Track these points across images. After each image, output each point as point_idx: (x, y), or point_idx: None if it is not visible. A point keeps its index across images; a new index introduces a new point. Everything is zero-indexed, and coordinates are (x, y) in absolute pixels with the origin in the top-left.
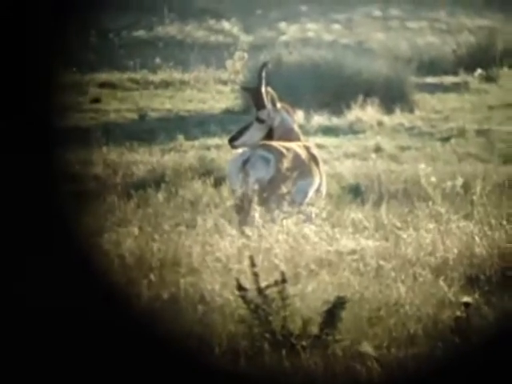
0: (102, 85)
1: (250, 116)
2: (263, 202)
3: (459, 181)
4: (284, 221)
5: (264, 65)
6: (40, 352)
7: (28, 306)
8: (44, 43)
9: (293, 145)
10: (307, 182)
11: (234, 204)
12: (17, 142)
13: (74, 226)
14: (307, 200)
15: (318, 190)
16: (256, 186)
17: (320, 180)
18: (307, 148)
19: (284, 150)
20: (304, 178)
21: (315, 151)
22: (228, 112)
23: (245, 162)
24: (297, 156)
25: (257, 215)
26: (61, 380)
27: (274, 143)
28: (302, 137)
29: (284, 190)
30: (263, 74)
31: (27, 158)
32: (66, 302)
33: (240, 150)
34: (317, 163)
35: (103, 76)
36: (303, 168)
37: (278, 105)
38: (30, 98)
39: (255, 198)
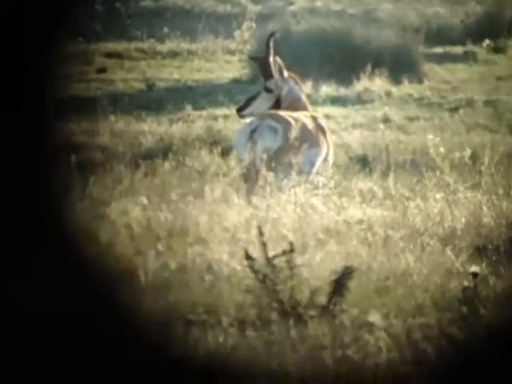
0: (109, 55)
1: (257, 86)
2: (270, 172)
3: (467, 151)
4: (292, 190)
5: (272, 34)
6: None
7: (32, 277)
8: (49, 12)
9: (300, 114)
10: (314, 152)
11: (242, 173)
12: (21, 112)
13: (80, 196)
14: (314, 170)
15: (325, 160)
16: (264, 156)
17: (327, 150)
18: (314, 118)
19: (291, 120)
20: (311, 148)
21: (322, 121)
22: (236, 82)
23: (252, 132)
24: (304, 126)
25: (265, 184)
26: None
27: (282, 113)
28: (309, 106)
29: (292, 159)
30: (271, 44)
31: (32, 128)
32: (71, 274)
33: (247, 120)
34: (324, 133)
35: (109, 46)
36: (310, 138)
37: (286, 74)
38: (34, 67)
39: (263, 167)
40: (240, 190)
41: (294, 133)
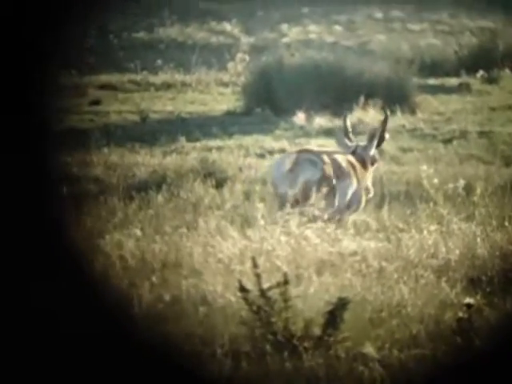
0: (102, 87)
1: (251, 117)
2: (306, 203)
3: (461, 182)
4: (286, 222)
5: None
6: (39, 353)
7: (28, 307)
8: (43, 45)
9: (328, 149)
10: (346, 184)
11: (279, 204)
12: (15, 143)
13: (74, 229)
14: (346, 201)
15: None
16: (303, 187)
17: (358, 183)
18: (344, 154)
19: (323, 154)
20: (343, 180)
21: (353, 159)
22: (229, 114)
23: (293, 164)
24: (335, 159)
25: (259, 216)
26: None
27: (314, 148)
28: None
29: (327, 191)
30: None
31: (26, 159)
32: (66, 305)
33: (279, 156)
34: (354, 167)
35: (103, 78)
36: (341, 170)
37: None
38: (29, 99)
39: (301, 199)
40: (234, 222)
41: (329, 166)
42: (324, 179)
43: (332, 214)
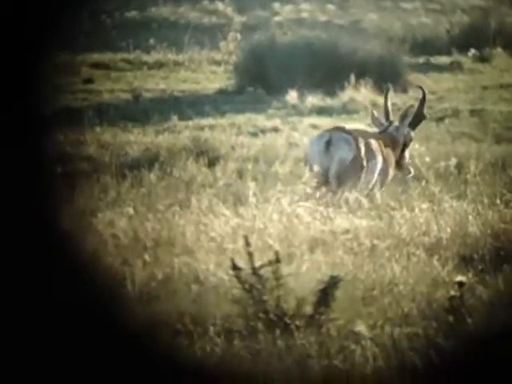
0: (95, 65)
1: (243, 96)
2: (342, 181)
3: (453, 161)
4: (277, 200)
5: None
6: (32, 330)
7: (20, 285)
8: (36, 25)
9: (358, 127)
10: (374, 163)
11: (315, 183)
12: (9, 124)
13: (67, 207)
14: (374, 181)
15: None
16: (338, 165)
17: (384, 162)
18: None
19: (356, 132)
20: (372, 159)
21: (379, 136)
22: (222, 92)
23: (327, 143)
24: (366, 138)
25: (251, 194)
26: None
27: (347, 126)
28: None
29: (361, 169)
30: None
31: (19, 140)
32: (59, 283)
33: (316, 133)
34: (381, 146)
35: (96, 57)
36: (371, 150)
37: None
38: (22, 80)
39: (335, 177)
40: (226, 201)
41: (362, 144)
42: (356, 159)
43: (358, 191)
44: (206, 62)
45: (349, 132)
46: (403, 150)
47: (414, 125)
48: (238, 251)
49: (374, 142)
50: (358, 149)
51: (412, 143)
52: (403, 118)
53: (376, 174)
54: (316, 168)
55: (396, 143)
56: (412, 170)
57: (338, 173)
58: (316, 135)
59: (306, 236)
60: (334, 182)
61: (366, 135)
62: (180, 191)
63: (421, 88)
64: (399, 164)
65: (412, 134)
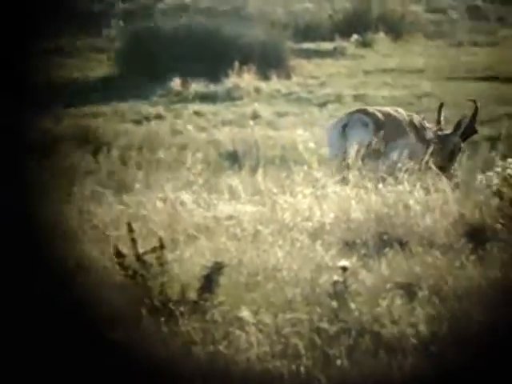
0: None
1: (125, 81)
2: (361, 164)
3: None
4: (161, 187)
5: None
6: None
7: None
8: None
9: (389, 109)
10: (403, 143)
11: (336, 166)
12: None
13: None
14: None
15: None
16: (355, 149)
17: (415, 142)
18: (408, 115)
19: (379, 114)
20: (401, 139)
21: (416, 119)
22: (105, 80)
23: (344, 127)
24: (394, 118)
25: (135, 182)
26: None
27: (371, 108)
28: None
29: (381, 151)
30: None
31: None
32: None
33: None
34: (415, 128)
35: None
36: (400, 129)
37: None
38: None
39: (354, 160)
40: (110, 188)
41: (383, 127)
42: (376, 141)
43: (386, 171)
44: (88, 49)
45: (369, 114)
46: (451, 158)
47: (465, 136)
48: (122, 238)
49: (405, 123)
50: (378, 131)
51: (295, 129)
52: (456, 128)
53: (406, 152)
54: (334, 153)
55: (444, 149)
56: (458, 176)
57: (355, 156)
58: (333, 120)
59: (189, 222)
60: (354, 164)
61: (396, 115)
62: (63, 178)
63: (474, 102)
64: (443, 169)
65: (461, 144)
